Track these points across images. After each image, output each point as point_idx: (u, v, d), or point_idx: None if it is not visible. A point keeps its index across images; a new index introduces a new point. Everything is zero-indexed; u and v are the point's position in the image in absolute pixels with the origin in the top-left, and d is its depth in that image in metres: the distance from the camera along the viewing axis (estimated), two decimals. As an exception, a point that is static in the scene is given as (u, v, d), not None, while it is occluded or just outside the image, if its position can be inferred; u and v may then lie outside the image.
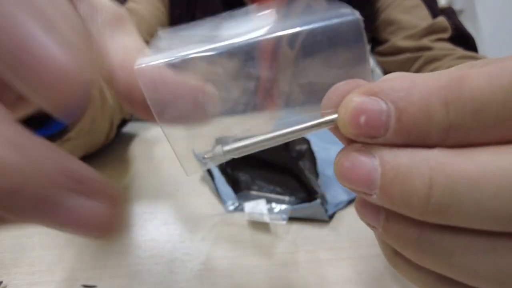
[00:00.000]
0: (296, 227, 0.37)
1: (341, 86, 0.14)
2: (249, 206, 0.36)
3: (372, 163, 0.12)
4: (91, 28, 0.15)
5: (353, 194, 0.40)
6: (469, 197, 0.10)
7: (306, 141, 0.41)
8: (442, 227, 0.12)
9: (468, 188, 0.10)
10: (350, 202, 0.40)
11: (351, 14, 0.14)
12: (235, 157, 0.15)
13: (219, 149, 0.15)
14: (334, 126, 0.13)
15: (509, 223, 0.10)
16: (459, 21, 0.60)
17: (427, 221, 0.12)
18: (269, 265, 0.33)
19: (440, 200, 0.11)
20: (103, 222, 0.11)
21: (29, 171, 0.09)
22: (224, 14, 0.17)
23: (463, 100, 0.11)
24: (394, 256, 0.15)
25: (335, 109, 0.13)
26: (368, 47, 0.14)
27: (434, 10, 0.60)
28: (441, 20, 0.58)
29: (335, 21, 0.14)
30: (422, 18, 0.60)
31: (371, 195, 0.12)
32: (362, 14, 0.14)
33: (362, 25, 0.14)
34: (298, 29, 0.15)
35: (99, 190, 0.11)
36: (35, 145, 0.10)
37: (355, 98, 0.12)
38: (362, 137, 0.12)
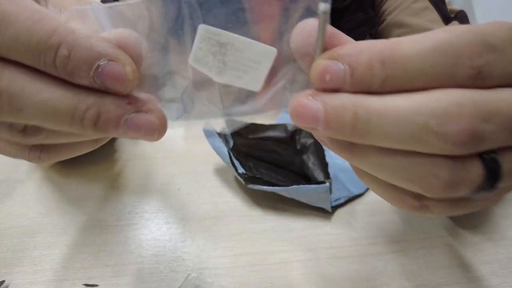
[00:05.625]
0: (296, 226, 0.37)
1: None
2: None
3: (317, 105, 0.16)
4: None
5: (354, 192, 0.41)
6: (379, 124, 0.15)
7: (311, 135, 0.41)
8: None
9: (378, 119, 0.15)
10: (349, 200, 0.40)
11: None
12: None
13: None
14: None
15: (400, 144, 0.16)
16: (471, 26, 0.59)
17: (356, 142, 0.17)
18: (269, 263, 0.33)
19: (362, 127, 0.16)
20: (155, 125, 0.18)
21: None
22: None
23: (394, 59, 0.15)
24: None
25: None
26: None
27: (443, 12, 0.59)
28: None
29: None
30: (432, 21, 0.58)
31: (318, 129, 0.17)
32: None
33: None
34: None
35: (148, 108, 0.18)
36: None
37: (323, 61, 0.16)
38: (328, 89, 0.16)
